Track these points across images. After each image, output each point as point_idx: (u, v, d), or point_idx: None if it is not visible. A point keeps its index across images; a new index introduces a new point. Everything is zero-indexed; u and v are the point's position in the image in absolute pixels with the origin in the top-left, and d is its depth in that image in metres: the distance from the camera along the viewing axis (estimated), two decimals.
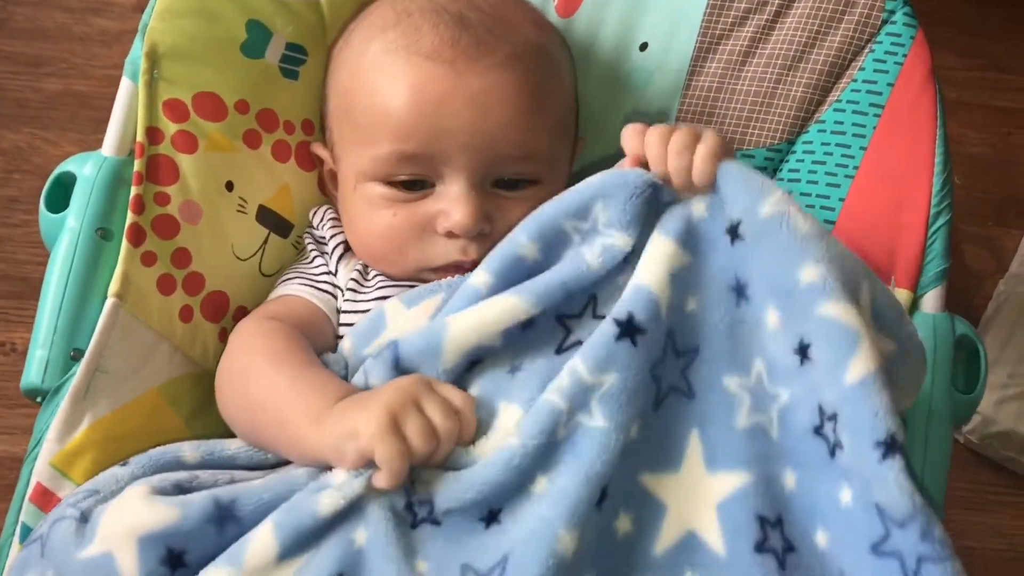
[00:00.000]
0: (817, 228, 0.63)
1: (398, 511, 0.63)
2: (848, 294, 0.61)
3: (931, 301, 0.79)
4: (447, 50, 0.78)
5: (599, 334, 0.65)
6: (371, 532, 0.61)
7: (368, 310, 0.78)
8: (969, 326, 0.79)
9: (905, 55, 0.86)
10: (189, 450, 0.71)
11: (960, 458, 1.21)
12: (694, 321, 0.67)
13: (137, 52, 0.80)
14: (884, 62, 0.87)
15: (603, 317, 0.67)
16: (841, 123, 0.88)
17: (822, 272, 0.61)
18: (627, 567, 0.63)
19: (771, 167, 0.92)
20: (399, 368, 0.69)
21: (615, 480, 0.63)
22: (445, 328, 0.67)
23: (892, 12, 0.88)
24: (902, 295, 0.79)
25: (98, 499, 0.65)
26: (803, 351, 0.62)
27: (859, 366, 0.59)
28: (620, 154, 0.73)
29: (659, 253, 0.66)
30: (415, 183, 0.80)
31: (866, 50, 0.88)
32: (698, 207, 0.68)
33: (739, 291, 0.66)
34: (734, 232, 0.65)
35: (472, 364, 0.69)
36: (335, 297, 0.83)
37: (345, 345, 0.75)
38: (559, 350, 0.68)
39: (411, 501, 0.63)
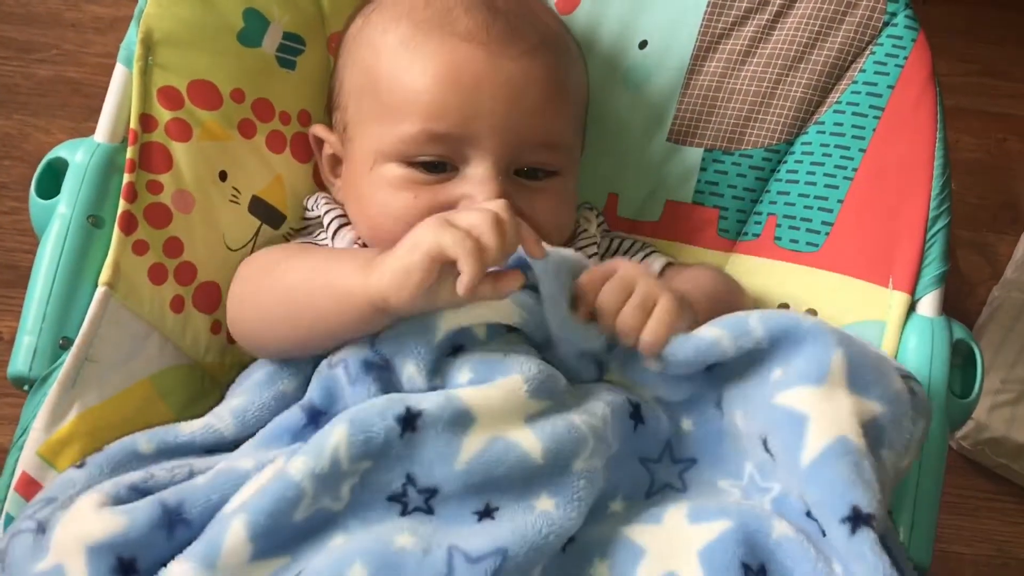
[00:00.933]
0: (779, 328, 0.65)
1: (390, 495, 0.62)
2: (807, 376, 0.62)
3: (929, 304, 0.78)
4: (482, 33, 0.78)
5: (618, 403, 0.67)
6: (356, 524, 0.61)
7: None
8: (966, 330, 0.78)
9: (906, 58, 0.86)
10: (144, 442, 0.70)
11: (952, 464, 1.21)
12: (690, 438, 0.70)
13: (132, 37, 0.79)
14: (885, 64, 0.87)
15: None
16: (840, 124, 0.88)
17: (783, 368, 0.64)
18: None
19: (769, 167, 0.92)
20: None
21: (594, 535, 0.64)
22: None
23: (894, 15, 0.87)
24: (899, 298, 0.79)
25: (55, 507, 0.64)
26: (766, 446, 0.64)
27: (812, 445, 0.60)
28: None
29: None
30: (437, 165, 0.78)
31: (867, 52, 0.88)
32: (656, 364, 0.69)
33: (718, 404, 0.69)
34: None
35: (456, 350, 0.69)
36: None
37: None
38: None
39: (405, 485, 0.62)
